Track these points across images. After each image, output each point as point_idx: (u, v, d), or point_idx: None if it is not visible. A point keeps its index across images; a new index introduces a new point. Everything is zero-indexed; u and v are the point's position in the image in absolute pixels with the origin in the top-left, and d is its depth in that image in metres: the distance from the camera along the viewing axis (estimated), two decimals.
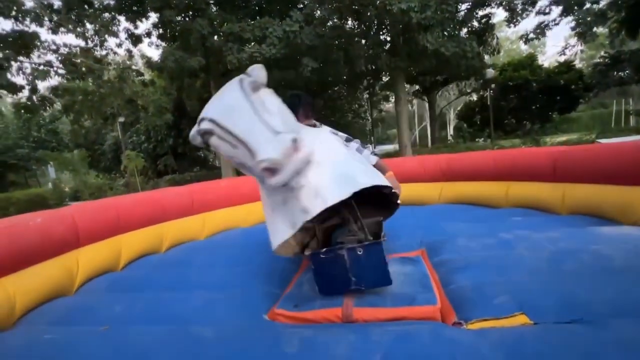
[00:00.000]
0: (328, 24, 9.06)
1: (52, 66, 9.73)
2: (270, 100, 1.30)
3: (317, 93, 14.63)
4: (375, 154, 1.84)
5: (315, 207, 1.24)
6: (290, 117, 1.34)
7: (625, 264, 1.58)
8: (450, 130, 26.92)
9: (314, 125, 1.89)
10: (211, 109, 1.26)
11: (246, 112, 1.21)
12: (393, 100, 14.01)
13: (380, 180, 1.50)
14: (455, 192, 3.55)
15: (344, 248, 1.48)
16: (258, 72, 1.31)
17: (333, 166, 1.34)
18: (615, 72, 13.32)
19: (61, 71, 9.82)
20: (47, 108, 10.53)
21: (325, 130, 1.77)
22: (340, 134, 1.92)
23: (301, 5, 10.56)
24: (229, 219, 3.51)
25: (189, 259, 2.52)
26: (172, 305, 1.63)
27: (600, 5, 8.53)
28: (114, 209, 2.54)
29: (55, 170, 16.50)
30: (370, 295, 1.57)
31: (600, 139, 10.31)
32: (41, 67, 9.38)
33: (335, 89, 15.56)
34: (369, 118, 18.53)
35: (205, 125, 1.23)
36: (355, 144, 1.90)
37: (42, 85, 10.01)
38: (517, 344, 1.04)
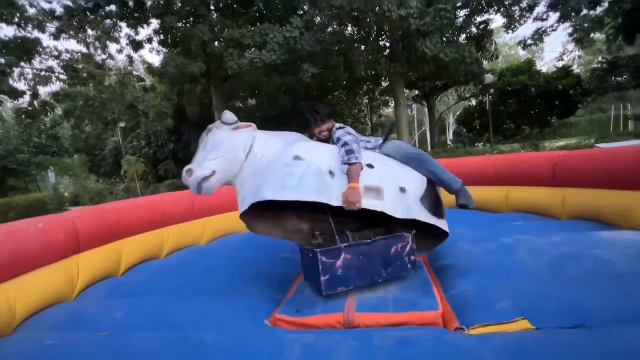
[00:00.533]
0: (328, 30, 9.14)
1: (53, 72, 9.78)
2: (213, 139, 1.82)
3: (317, 98, 14.69)
4: (349, 163, 1.67)
5: (240, 210, 1.73)
6: (222, 147, 1.77)
7: (626, 269, 1.58)
8: (450, 135, 27.01)
9: (331, 128, 1.99)
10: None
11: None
12: (392, 105, 14.08)
13: (293, 194, 1.61)
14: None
15: (308, 246, 1.72)
16: (225, 116, 1.88)
17: (260, 177, 1.73)
18: (613, 77, 13.40)
19: (62, 76, 9.88)
20: (48, 113, 10.57)
21: (281, 148, 1.88)
22: (343, 137, 1.82)
23: (301, 12, 10.66)
24: (230, 223, 3.50)
25: (190, 265, 2.52)
26: (173, 312, 1.63)
27: (597, 12, 8.63)
28: (114, 213, 2.54)
29: (55, 175, 16.51)
30: (372, 300, 1.56)
31: (599, 143, 10.34)
32: (43, 73, 9.44)
33: (335, 93, 15.64)
34: (369, 123, 18.60)
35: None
36: (342, 149, 1.74)
37: (43, 91, 10.06)
38: (519, 350, 1.04)
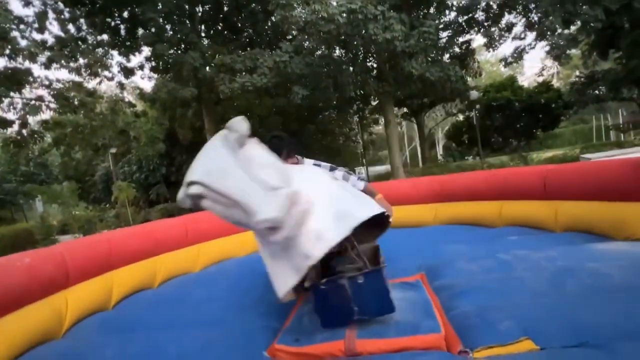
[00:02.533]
0: (317, 53, 9.43)
1: (43, 100, 9.78)
2: (260, 153, 1.34)
3: (308, 118, 14.92)
4: (362, 179, 1.87)
5: (319, 251, 1.25)
6: (280, 164, 1.36)
7: (624, 282, 1.58)
8: (440, 150, 27.48)
9: (297, 162, 1.90)
10: (199, 172, 1.22)
11: (236, 171, 1.22)
12: (383, 122, 14.36)
13: (375, 208, 1.53)
14: (450, 212, 3.57)
15: (344, 277, 1.45)
16: (239, 125, 1.35)
17: (327, 205, 1.35)
18: (592, 90, 14.00)
19: (53, 105, 9.88)
20: (37, 142, 10.47)
21: (308, 165, 1.78)
22: (324, 164, 1.93)
23: (290, 37, 11.00)
24: (224, 249, 3.44)
25: (184, 294, 2.44)
26: (167, 347, 1.56)
27: (571, 31, 9.12)
28: (105, 244, 2.48)
29: (43, 203, 16.14)
30: (373, 326, 1.52)
31: (584, 154, 10.63)
32: (32, 102, 9.43)
33: (326, 113, 15.93)
34: (360, 141, 18.87)
35: (195, 190, 1.21)
36: (340, 172, 1.92)
37: (32, 119, 10.03)
38: None
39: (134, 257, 2.67)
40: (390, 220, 1.90)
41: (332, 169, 1.90)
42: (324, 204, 1.34)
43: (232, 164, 1.24)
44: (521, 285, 1.71)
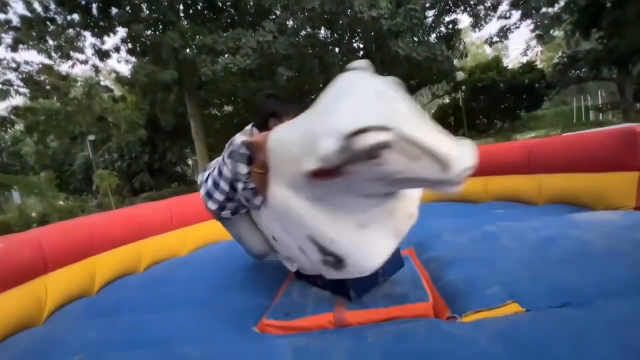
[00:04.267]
0: (301, 33, 9.15)
1: (12, 85, 9.19)
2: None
3: (294, 102, 14.65)
4: None
5: (416, 211, 1.26)
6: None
7: (605, 247, 1.63)
8: None
9: None
10: (377, 116, 0.93)
11: (419, 116, 1.00)
12: None
13: None
14: None
15: None
16: (361, 63, 1.14)
17: None
18: (574, 71, 14.24)
19: (23, 90, 9.30)
20: (8, 129, 9.91)
21: None
22: None
23: (273, 16, 10.62)
24: (212, 232, 3.37)
25: (171, 277, 2.39)
26: (154, 327, 1.52)
27: (555, 9, 9.16)
28: (85, 228, 2.38)
29: (20, 195, 15.50)
30: (362, 297, 1.54)
31: (566, 133, 10.89)
32: (0, 87, 8.86)
33: (312, 97, 15.68)
34: None
35: (385, 137, 0.90)
36: None
37: (2, 106, 9.45)
38: (513, 333, 1.03)
39: (117, 241, 2.59)
40: None
41: None
42: None
43: (413, 109, 1.00)
44: (506, 254, 1.74)
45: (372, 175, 0.99)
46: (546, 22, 8.59)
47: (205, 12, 12.21)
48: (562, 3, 9.10)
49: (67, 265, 2.17)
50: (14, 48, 9.48)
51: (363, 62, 1.14)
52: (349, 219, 1.17)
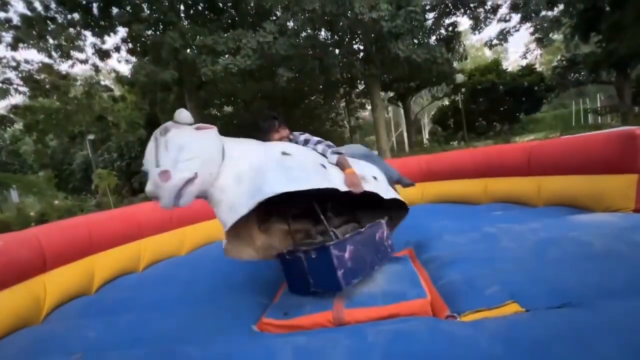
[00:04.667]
0: (302, 34, 9.16)
1: (11, 84, 9.16)
2: (176, 139, 1.44)
3: (294, 103, 14.68)
4: (337, 152, 1.86)
5: (230, 220, 1.42)
6: (198, 147, 1.46)
7: (604, 248, 1.63)
8: (426, 135, 27.73)
9: (288, 135, 2.04)
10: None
11: (150, 154, 1.44)
12: (369, 107, 14.29)
13: (307, 184, 1.50)
14: (437, 191, 3.61)
15: (300, 250, 1.55)
16: (180, 115, 1.53)
17: (252, 179, 1.50)
18: (573, 74, 14.31)
19: (22, 89, 9.27)
20: (7, 128, 9.89)
21: (260, 146, 1.76)
22: (314, 138, 2.04)
23: (274, 17, 10.65)
24: (211, 232, 3.38)
25: (170, 276, 2.39)
26: (153, 326, 1.52)
27: (555, 12, 9.19)
28: (85, 227, 2.38)
29: (18, 194, 15.44)
30: (360, 296, 1.54)
31: (565, 136, 10.92)
32: (0, 85, 8.84)
33: (312, 98, 15.69)
34: (347, 126, 18.77)
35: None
36: (321, 145, 1.96)
37: (1, 105, 9.46)
38: (513, 333, 1.03)
39: (116, 241, 2.58)
40: (387, 196, 1.92)
41: (318, 142, 1.97)
42: (249, 178, 1.51)
43: (151, 149, 1.45)
44: (506, 255, 1.74)
45: None
46: (545, 25, 8.63)
47: (206, 12, 12.23)
48: (561, 6, 9.13)
49: (66, 264, 2.17)
50: (14, 47, 9.47)
51: (185, 113, 1.54)
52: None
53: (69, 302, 2.08)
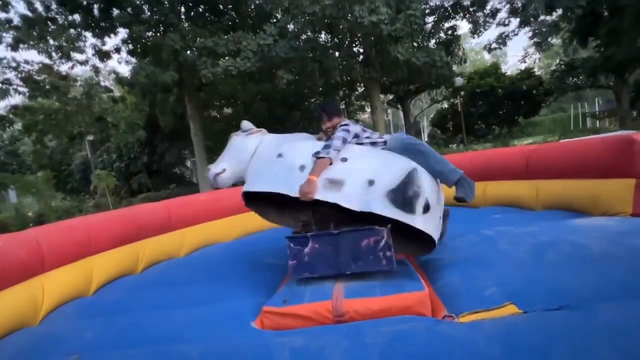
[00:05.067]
0: (302, 37, 9.20)
1: (11, 84, 9.15)
2: (230, 143, 2.23)
3: (294, 105, 14.70)
4: (317, 157, 1.80)
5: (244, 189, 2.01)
6: (238, 147, 2.16)
7: (601, 252, 1.64)
8: (425, 137, 27.81)
9: (339, 121, 2.07)
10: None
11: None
12: (369, 110, 14.33)
13: (262, 186, 1.91)
14: None
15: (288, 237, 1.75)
16: (242, 124, 2.27)
17: (249, 175, 2.07)
18: (571, 78, 14.39)
19: (22, 89, 9.27)
20: (6, 128, 9.88)
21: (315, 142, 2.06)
22: (355, 131, 2.01)
23: (274, 19, 10.68)
24: (210, 234, 3.37)
25: (169, 278, 2.39)
26: (151, 326, 1.52)
27: (554, 17, 9.26)
28: (83, 228, 2.37)
29: (17, 194, 15.39)
30: (359, 287, 1.56)
31: (563, 139, 10.94)
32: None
33: (312, 100, 15.72)
34: None
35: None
36: (337, 142, 1.87)
37: (1, 105, 9.47)
38: (511, 335, 1.04)
39: (115, 242, 2.58)
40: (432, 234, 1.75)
41: (355, 136, 2.04)
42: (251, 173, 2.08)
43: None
44: (504, 257, 1.75)
45: None
46: (544, 29, 8.69)
47: (207, 14, 12.26)
48: (560, 11, 9.20)
49: (65, 265, 2.16)
50: (14, 47, 9.47)
51: (246, 123, 2.28)
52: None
53: (66, 304, 2.08)
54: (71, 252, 2.23)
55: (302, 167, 1.82)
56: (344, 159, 1.82)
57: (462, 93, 15.65)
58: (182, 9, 11.68)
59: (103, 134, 13.61)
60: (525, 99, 16.12)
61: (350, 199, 1.68)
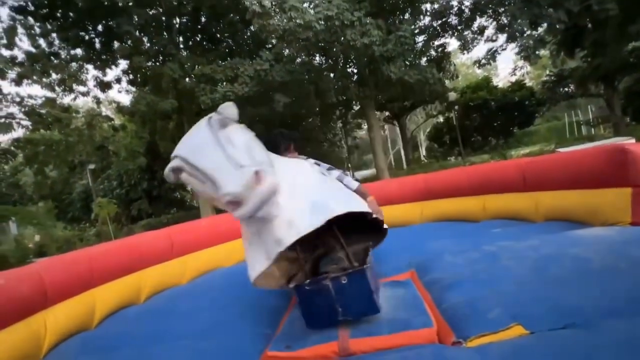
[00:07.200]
0: (297, 60, 9.49)
1: (14, 118, 9.37)
2: (238, 135, 1.32)
3: (292, 126, 14.94)
4: (357, 180, 1.89)
5: (289, 238, 1.25)
6: (260, 150, 1.35)
7: (603, 264, 1.64)
8: (423, 151, 28.05)
9: (296, 157, 2.00)
10: (181, 148, 1.32)
11: (212, 148, 1.24)
12: (366, 127, 14.55)
13: (358, 206, 1.53)
14: (435, 210, 3.63)
15: (327, 278, 1.44)
16: (228, 109, 1.33)
17: (306, 195, 1.38)
18: (562, 88, 14.71)
19: (25, 122, 9.49)
20: (9, 161, 10.02)
21: (303, 162, 1.80)
22: (323, 164, 2.02)
23: (270, 45, 11.03)
24: (211, 259, 3.36)
25: (171, 307, 2.36)
26: None
27: (539, 32, 9.59)
28: (85, 261, 2.38)
29: (17, 225, 15.35)
30: (366, 325, 1.52)
31: (559, 148, 11.05)
32: (3, 120, 9.02)
33: (309, 120, 15.98)
34: (345, 146, 19.02)
35: (175, 163, 1.31)
36: (336, 172, 1.98)
37: (2, 137, 9.64)
38: (520, 358, 1.03)
39: (117, 273, 2.57)
40: (385, 226, 1.89)
41: (329, 169, 1.97)
42: (302, 193, 1.38)
43: (210, 142, 1.26)
44: (507, 274, 1.74)
45: (200, 194, 1.35)
46: (530, 43, 8.99)
47: (204, 42, 12.70)
48: (544, 26, 9.55)
49: (67, 299, 2.15)
50: (18, 83, 9.74)
51: (228, 104, 1.37)
52: (244, 236, 1.52)
53: (68, 339, 2.05)
54: (74, 285, 2.22)
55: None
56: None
57: (457, 107, 15.94)
58: (180, 38, 12.11)
59: (104, 162, 13.76)
60: (519, 110, 16.41)
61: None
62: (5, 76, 9.21)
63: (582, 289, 1.43)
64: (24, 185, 19.45)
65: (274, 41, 10.84)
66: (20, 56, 10.10)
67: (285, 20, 7.23)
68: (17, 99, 9.44)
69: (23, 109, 9.40)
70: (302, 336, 1.51)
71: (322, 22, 6.98)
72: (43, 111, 9.48)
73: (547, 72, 16.75)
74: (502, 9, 9.43)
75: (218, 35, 12.52)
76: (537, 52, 9.22)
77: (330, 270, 1.56)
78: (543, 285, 1.58)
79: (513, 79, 17.19)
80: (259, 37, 11.31)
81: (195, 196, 17.43)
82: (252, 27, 10.42)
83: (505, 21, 10.14)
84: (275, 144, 1.89)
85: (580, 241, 2.01)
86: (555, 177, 2.72)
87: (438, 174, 4.05)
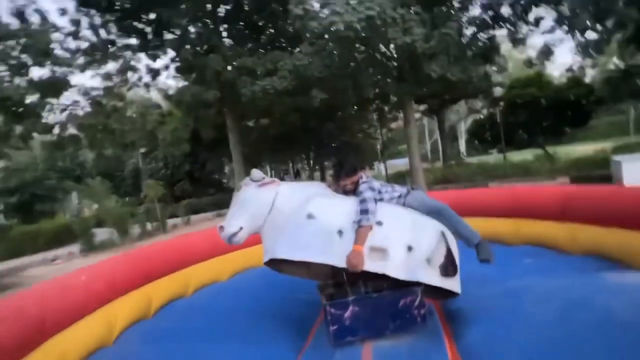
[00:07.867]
0: (335, 53, 9.42)
1: (79, 105, 10.46)
2: (240, 196, 2.09)
3: (327, 116, 14.99)
4: (360, 225, 1.82)
5: (264, 259, 2.00)
6: (255, 202, 2.02)
7: (633, 319, 1.61)
8: (463, 144, 26.73)
9: (357, 181, 2.06)
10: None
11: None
12: (402, 118, 14.20)
13: (302, 254, 1.83)
14: None
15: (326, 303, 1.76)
16: (253, 174, 2.11)
17: (274, 235, 1.96)
18: (627, 85, 13.17)
19: (87, 109, 10.56)
20: (75, 144, 11.28)
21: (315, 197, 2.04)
22: (374, 187, 2.02)
23: (310, 39, 11.03)
24: (248, 258, 3.66)
25: (213, 305, 2.68)
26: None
27: (606, 25, 8.62)
28: (146, 258, 2.76)
29: (78, 197, 17.28)
30: (388, 349, 1.67)
31: (617, 154, 10.05)
32: (70, 108, 10.13)
33: (345, 110, 15.89)
34: (380, 137, 18.74)
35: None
36: (366, 204, 1.88)
37: (70, 123, 10.80)
38: None
39: (170, 268, 2.94)
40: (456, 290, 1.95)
41: (368, 195, 1.93)
42: (274, 232, 1.98)
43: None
44: (529, 317, 1.76)
45: None
46: (592, 40, 8.16)
47: (247, 31, 12.98)
48: (611, 20, 8.58)
49: (131, 291, 2.53)
50: (82, 69, 10.75)
51: (256, 172, 2.11)
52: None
53: (131, 327, 2.44)
54: (137, 280, 2.61)
55: (340, 232, 1.80)
56: (379, 222, 1.84)
57: (501, 103, 14.98)
58: (224, 26, 12.50)
59: (152, 144, 14.90)
60: (573, 109, 15.01)
61: (396, 268, 1.75)
62: (72, 65, 10.19)
63: (606, 345, 1.43)
64: (84, 161, 21.64)
65: (314, 40, 10.81)
66: (84, 46, 11.11)
67: (325, 24, 7.22)
68: (82, 89, 10.51)
69: (87, 99, 10.46)
70: (326, 357, 1.70)
71: (364, 23, 6.88)
72: (104, 102, 10.49)
73: (612, 66, 15.05)
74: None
75: (260, 24, 12.72)
76: (598, 50, 8.37)
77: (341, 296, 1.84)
78: (566, 335, 1.59)
79: (569, 74, 15.65)
80: (299, 32, 11.31)
81: (233, 178, 18.31)
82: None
83: (567, 12, 9.22)
84: (338, 170, 2.17)
85: (613, 287, 1.96)
86: (597, 211, 2.62)
87: (472, 191, 4.01)
